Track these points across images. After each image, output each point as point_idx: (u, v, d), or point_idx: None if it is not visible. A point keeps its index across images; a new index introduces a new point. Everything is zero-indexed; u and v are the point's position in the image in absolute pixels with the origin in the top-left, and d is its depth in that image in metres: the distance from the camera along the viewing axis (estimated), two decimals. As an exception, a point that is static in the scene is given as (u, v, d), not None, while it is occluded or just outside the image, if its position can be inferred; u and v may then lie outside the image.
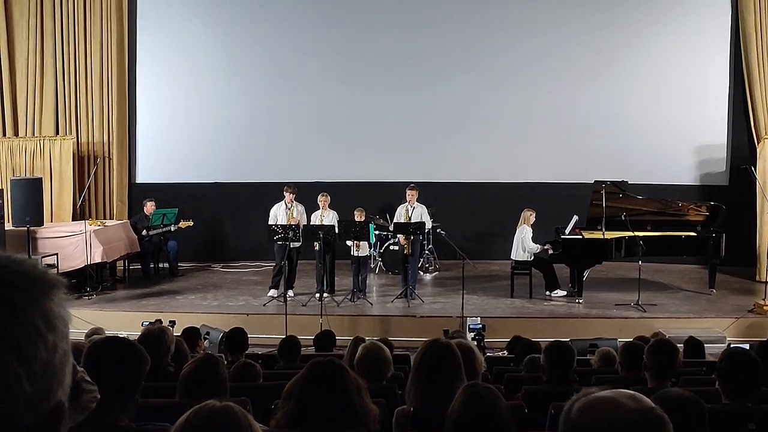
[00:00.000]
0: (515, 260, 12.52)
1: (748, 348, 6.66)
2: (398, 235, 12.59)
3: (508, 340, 9.18)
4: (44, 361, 1.04)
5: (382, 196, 14.45)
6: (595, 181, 12.34)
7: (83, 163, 15.01)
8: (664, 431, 1.64)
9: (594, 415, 1.64)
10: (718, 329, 10.71)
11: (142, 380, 3.00)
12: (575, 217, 12.48)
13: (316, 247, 11.98)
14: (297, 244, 12.17)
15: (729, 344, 9.27)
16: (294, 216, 12.22)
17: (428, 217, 12.62)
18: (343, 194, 13.56)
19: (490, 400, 3.26)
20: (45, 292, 1.06)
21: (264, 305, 11.85)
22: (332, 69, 15.43)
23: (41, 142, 14.61)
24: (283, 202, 12.35)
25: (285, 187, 12.41)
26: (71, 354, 1.12)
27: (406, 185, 12.62)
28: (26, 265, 1.07)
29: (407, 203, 12.42)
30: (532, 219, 12.45)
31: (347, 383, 3.20)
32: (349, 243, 12.18)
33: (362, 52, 15.40)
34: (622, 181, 12.45)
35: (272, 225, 11.97)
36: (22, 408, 1.01)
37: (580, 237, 12.27)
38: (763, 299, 11.45)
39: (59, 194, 14.55)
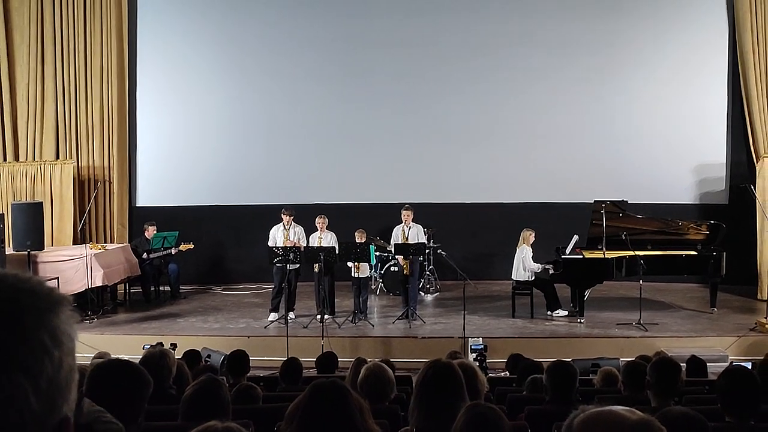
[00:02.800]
0: (516, 280, 12.52)
1: (750, 366, 6.66)
2: (397, 256, 12.63)
3: (509, 359, 9.15)
4: (50, 377, 1.06)
5: (382, 218, 14.44)
6: (595, 201, 12.35)
7: (84, 187, 15.04)
8: None
9: (594, 426, 1.67)
10: (720, 348, 10.69)
11: (145, 403, 3.00)
12: (576, 237, 12.49)
13: (316, 269, 11.99)
14: (295, 266, 12.18)
15: (731, 362, 9.26)
16: (290, 238, 12.23)
17: (423, 236, 12.67)
18: (342, 216, 13.57)
19: (493, 420, 3.25)
20: (51, 309, 1.09)
21: (265, 327, 11.84)
22: (332, 91, 15.50)
23: (42, 166, 14.65)
24: (282, 224, 12.38)
25: (282, 210, 12.45)
26: (77, 370, 1.14)
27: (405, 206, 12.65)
28: (33, 283, 1.10)
29: (403, 224, 12.47)
30: (532, 239, 12.46)
31: (350, 404, 3.19)
32: (349, 264, 12.20)
33: (361, 74, 15.46)
34: (622, 200, 12.47)
35: (273, 247, 11.97)
36: (29, 423, 1.03)
37: (581, 257, 12.28)
38: (765, 318, 11.45)
39: (60, 218, 14.58)
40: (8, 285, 1.07)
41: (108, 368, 2.96)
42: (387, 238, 13.59)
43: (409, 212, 12.47)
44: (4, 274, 1.09)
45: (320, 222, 12.39)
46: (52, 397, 1.06)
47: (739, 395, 4.07)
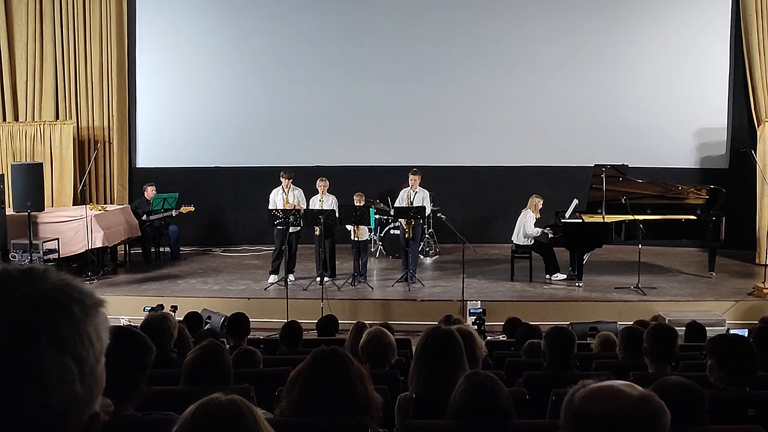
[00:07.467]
0: (516, 244, 12.53)
1: (746, 332, 6.72)
2: (400, 219, 12.62)
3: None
4: (91, 366, 1.14)
5: (382, 181, 14.45)
6: (595, 165, 12.33)
7: (83, 148, 15.01)
8: (662, 418, 1.70)
9: (596, 402, 1.70)
10: (718, 312, 10.74)
11: (147, 370, 3.03)
12: (575, 201, 12.49)
13: (317, 232, 12.02)
14: (296, 229, 12.19)
15: (728, 329, 9.32)
16: (290, 201, 12.23)
17: (429, 202, 12.64)
18: (344, 179, 13.58)
19: (492, 388, 3.29)
20: (95, 307, 1.18)
21: (265, 289, 11.90)
22: (333, 54, 15.38)
23: (41, 126, 14.61)
24: (281, 187, 12.37)
25: (281, 173, 12.44)
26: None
27: (406, 169, 12.65)
28: (77, 281, 1.19)
29: (410, 188, 12.44)
30: (540, 206, 12.44)
31: (351, 372, 3.23)
32: (349, 227, 12.21)
33: (363, 38, 15.34)
34: (623, 164, 12.45)
35: (273, 210, 11.98)
36: (72, 407, 1.11)
37: (581, 221, 12.29)
38: (763, 282, 11.49)
39: (60, 179, 14.57)
40: (57, 278, 1.16)
41: (111, 336, 2.99)
42: (387, 201, 13.60)
43: (417, 177, 12.40)
44: (47, 269, 1.17)
45: (321, 185, 12.40)
46: (91, 386, 1.14)
47: (736, 363, 4.10)
